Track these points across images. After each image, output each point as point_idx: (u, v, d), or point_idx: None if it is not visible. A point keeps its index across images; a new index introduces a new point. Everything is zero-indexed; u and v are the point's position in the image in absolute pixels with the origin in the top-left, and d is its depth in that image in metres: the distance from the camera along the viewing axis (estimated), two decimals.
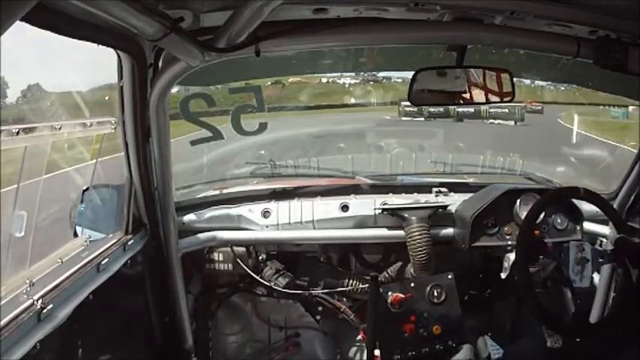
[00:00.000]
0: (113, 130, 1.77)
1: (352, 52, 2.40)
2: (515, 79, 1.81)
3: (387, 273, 2.41)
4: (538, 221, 2.08)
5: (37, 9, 0.78)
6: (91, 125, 1.68)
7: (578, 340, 2.12)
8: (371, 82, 6.18)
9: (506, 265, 2.24)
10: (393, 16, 1.56)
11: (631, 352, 1.93)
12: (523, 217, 2.15)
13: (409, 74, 1.72)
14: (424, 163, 3.30)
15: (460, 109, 5.34)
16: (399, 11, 1.52)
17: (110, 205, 1.96)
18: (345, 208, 2.40)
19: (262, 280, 2.38)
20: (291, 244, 2.40)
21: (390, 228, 2.33)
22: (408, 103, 1.90)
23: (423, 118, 5.39)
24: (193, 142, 2.36)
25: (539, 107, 7.09)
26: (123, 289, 1.77)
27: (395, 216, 2.33)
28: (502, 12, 1.54)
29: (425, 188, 2.53)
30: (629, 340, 2.01)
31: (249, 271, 2.37)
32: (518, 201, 2.23)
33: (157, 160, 1.86)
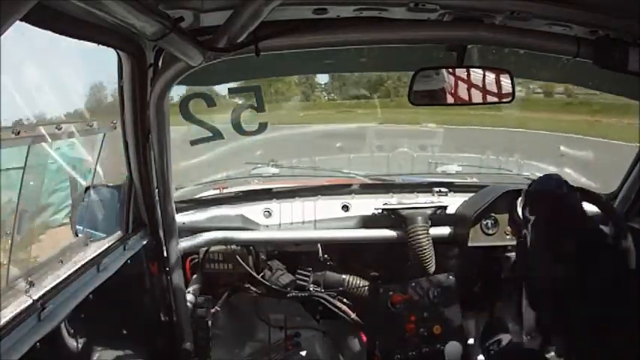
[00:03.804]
0: (113, 130, 1.78)
1: (352, 52, 2.39)
2: (515, 79, 1.81)
3: (387, 273, 2.42)
4: None
5: (37, 9, 0.78)
6: (91, 125, 1.69)
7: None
8: None
9: (506, 265, 2.24)
10: (393, 16, 1.56)
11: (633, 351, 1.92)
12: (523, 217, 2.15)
13: None
14: (424, 163, 3.30)
15: None
16: (399, 11, 1.52)
17: (110, 205, 1.96)
18: (345, 208, 2.40)
19: (262, 280, 2.38)
20: (291, 244, 2.40)
21: (390, 228, 2.34)
22: None
23: None
24: (193, 142, 2.36)
25: None
26: (123, 289, 1.77)
27: (395, 216, 2.33)
28: (502, 12, 1.54)
29: (425, 188, 2.53)
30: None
31: (250, 271, 2.37)
32: (517, 201, 2.24)
33: (157, 160, 1.86)
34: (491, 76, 1.80)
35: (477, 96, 1.82)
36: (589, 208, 2.16)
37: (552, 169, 3.45)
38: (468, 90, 1.81)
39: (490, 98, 1.83)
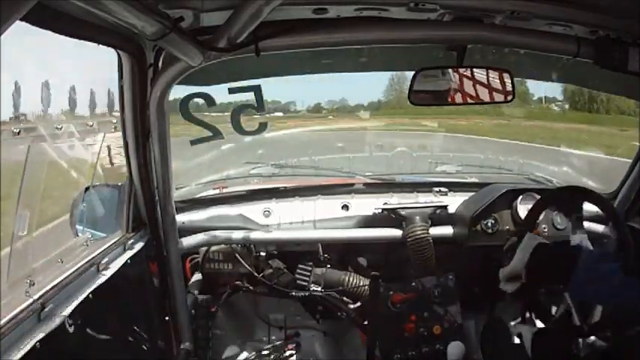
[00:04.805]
0: (113, 130, 1.78)
1: (352, 52, 2.39)
2: (515, 78, 1.81)
3: (387, 273, 2.41)
4: (538, 221, 2.08)
5: (37, 9, 0.78)
6: (91, 125, 1.69)
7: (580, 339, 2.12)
8: None
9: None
10: (393, 15, 1.56)
11: (631, 352, 1.93)
12: (523, 217, 2.15)
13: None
14: (424, 162, 3.30)
15: None
16: (399, 11, 1.53)
17: (110, 205, 1.96)
18: (345, 207, 2.40)
19: (263, 280, 2.38)
20: (291, 244, 2.40)
21: (390, 228, 2.34)
22: None
23: None
24: (193, 142, 2.36)
25: None
26: (123, 288, 1.77)
27: (395, 216, 2.33)
28: (502, 12, 1.54)
29: (425, 188, 2.53)
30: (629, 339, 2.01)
31: (250, 271, 2.37)
32: (518, 201, 2.24)
33: (157, 160, 1.87)
34: (491, 76, 1.81)
35: (477, 96, 1.83)
36: (589, 207, 2.17)
37: (552, 169, 3.46)
38: (469, 90, 1.81)
39: (490, 98, 1.84)
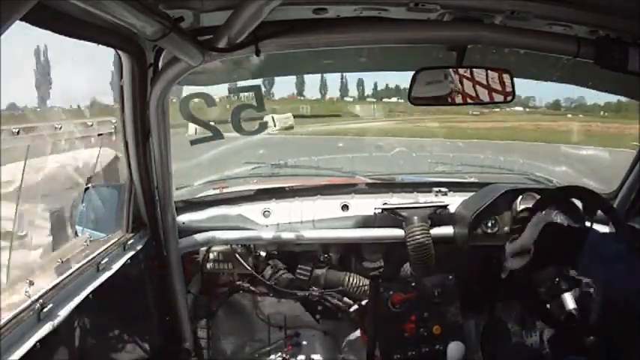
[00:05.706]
0: (113, 130, 1.78)
1: (352, 52, 2.39)
2: (515, 79, 1.81)
3: (387, 273, 2.41)
4: None
5: (37, 9, 0.78)
6: (91, 125, 1.69)
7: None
8: None
9: (506, 265, 2.24)
10: (393, 15, 1.56)
11: (630, 352, 1.93)
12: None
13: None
14: (424, 162, 3.30)
15: None
16: (399, 11, 1.53)
17: (110, 205, 1.97)
18: (345, 207, 2.40)
19: (263, 280, 2.38)
20: (291, 244, 2.40)
21: (390, 228, 2.33)
22: None
23: None
24: (193, 142, 2.36)
25: None
26: (123, 288, 1.77)
27: (395, 216, 2.33)
28: (502, 12, 1.54)
29: (425, 188, 2.53)
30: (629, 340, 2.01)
31: (250, 271, 2.37)
32: (518, 201, 2.23)
33: (157, 160, 1.87)
34: (491, 76, 1.80)
35: (477, 96, 1.82)
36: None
37: (552, 169, 3.46)
38: (468, 90, 1.81)
39: (490, 98, 1.83)
